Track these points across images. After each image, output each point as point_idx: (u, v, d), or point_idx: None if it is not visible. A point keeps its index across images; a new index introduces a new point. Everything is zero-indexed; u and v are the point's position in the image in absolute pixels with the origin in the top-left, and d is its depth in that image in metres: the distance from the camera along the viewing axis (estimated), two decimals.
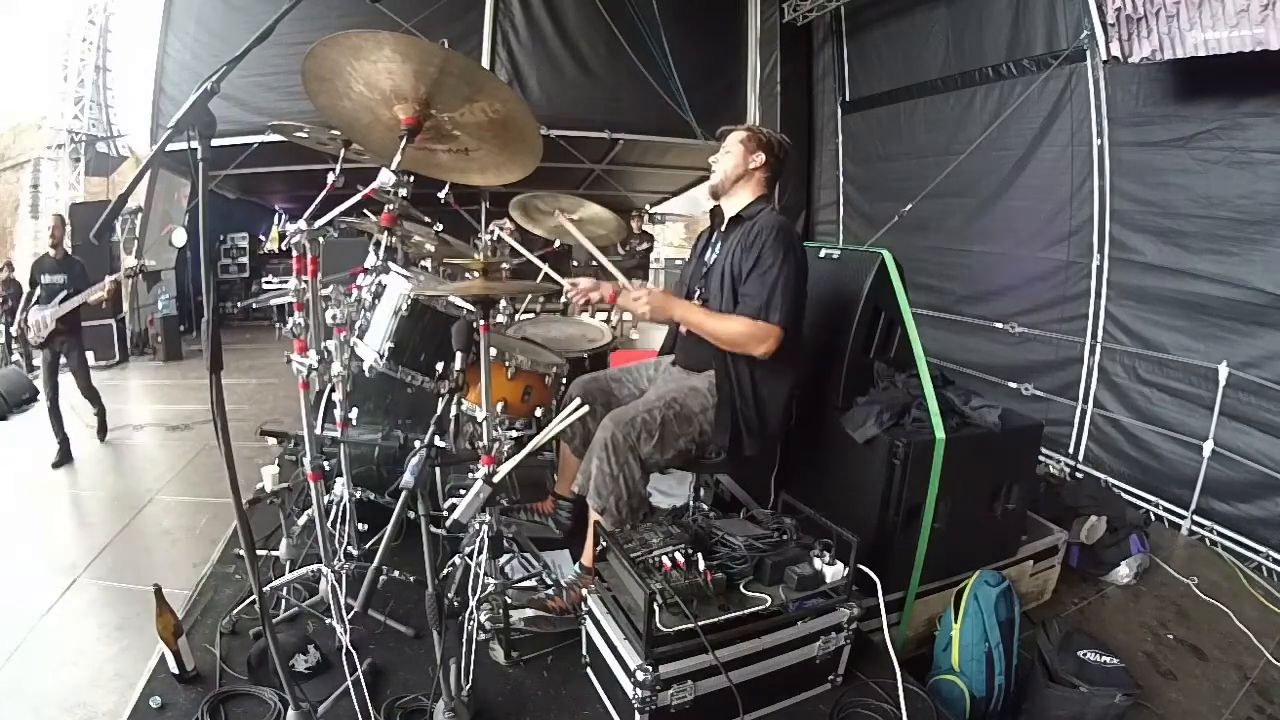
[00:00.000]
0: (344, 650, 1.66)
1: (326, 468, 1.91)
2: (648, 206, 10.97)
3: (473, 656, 1.63)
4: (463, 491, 1.68)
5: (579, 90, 6.35)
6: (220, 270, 9.15)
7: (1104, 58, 3.41)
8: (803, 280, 2.00)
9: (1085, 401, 4.04)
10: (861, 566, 1.78)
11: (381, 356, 1.97)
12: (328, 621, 1.84)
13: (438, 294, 2.06)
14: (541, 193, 2.69)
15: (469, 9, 6.02)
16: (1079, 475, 3.98)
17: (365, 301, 2.03)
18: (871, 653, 1.88)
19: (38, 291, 4.01)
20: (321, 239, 1.77)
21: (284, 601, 1.99)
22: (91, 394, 4.26)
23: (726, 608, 1.61)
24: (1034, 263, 4.34)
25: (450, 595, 1.84)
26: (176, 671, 1.72)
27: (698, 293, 2.16)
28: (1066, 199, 4.08)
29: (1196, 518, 3.37)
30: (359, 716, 1.55)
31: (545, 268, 2.50)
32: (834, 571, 1.74)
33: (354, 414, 2.03)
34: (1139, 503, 3.61)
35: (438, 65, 1.64)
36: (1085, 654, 2.06)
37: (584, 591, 1.82)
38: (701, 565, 1.65)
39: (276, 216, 9.06)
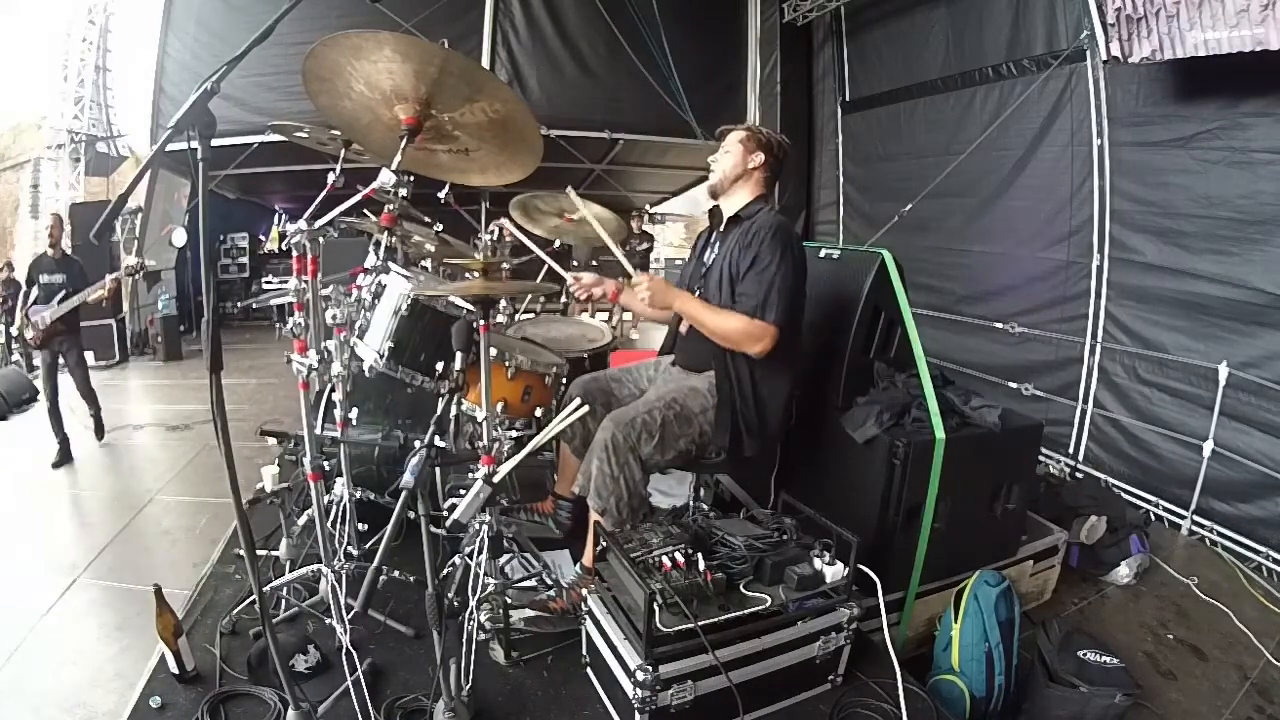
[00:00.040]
0: (344, 650, 1.66)
1: (326, 468, 1.91)
2: (648, 206, 10.97)
3: (473, 656, 1.63)
4: (463, 491, 1.68)
5: (579, 90, 6.34)
6: (220, 270, 9.15)
7: (1104, 58, 3.41)
8: (800, 280, 2.00)
9: (1085, 401, 4.04)
10: (861, 566, 1.78)
11: (381, 356, 1.97)
12: (328, 621, 1.84)
13: (438, 294, 2.06)
14: (541, 193, 2.69)
15: (469, 9, 6.02)
16: (1079, 475, 3.98)
17: (365, 301, 2.03)
18: (871, 653, 1.88)
19: (35, 291, 3.99)
20: (321, 239, 1.77)
21: (284, 601, 2.00)
22: (89, 394, 4.24)
23: (726, 608, 1.61)
24: (1034, 263, 4.34)
25: (450, 595, 1.84)
26: (176, 671, 1.72)
27: (697, 293, 2.16)
28: (1066, 199, 4.08)
29: (1196, 518, 3.37)
30: (359, 716, 1.55)
31: (549, 260, 2.49)
32: (834, 571, 1.74)
33: (354, 414, 2.03)
34: (1139, 503, 3.61)
35: (438, 65, 1.64)
36: (1085, 654, 2.06)
37: (584, 591, 1.82)
38: (701, 565, 1.65)
39: (276, 216, 9.07)
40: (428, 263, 2.70)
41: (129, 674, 2.03)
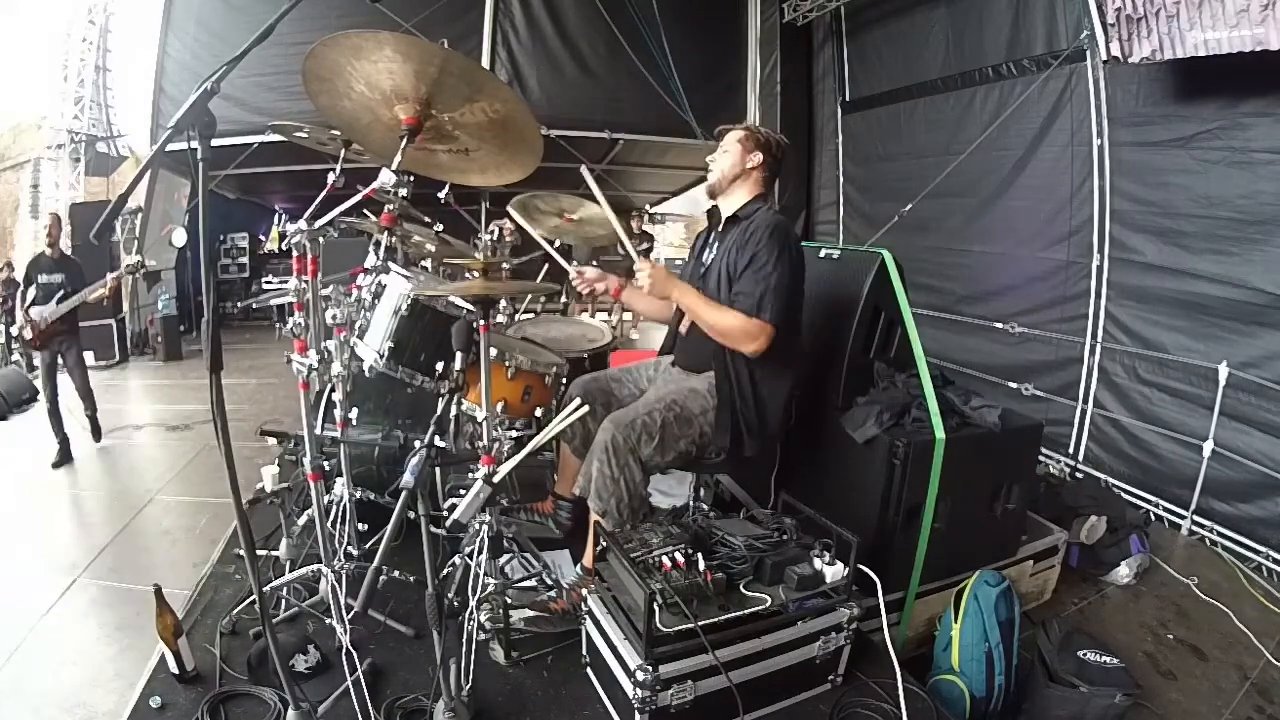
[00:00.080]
0: (344, 650, 1.66)
1: (326, 468, 1.91)
2: (648, 206, 10.97)
3: (473, 656, 1.63)
4: (463, 491, 1.68)
5: (579, 90, 6.34)
6: (220, 270, 9.15)
7: (1104, 58, 3.41)
8: (798, 280, 2.00)
9: (1085, 401, 4.04)
10: (861, 566, 1.78)
11: (381, 356, 1.97)
12: (328, 621, 1.84)
13: (438, 294, 2.06)
14: (541, 192, 2.69)
15: (469, 9, 6.02)
16: (1079, 475, 3.98)
17: (365, 301, 2.04)
18: (871, 653, 1.88)
19: (33, 290, 3.97)
20: (321, 239, 1.77)
21: (284, 601, 2.00)
22: (87, 394, 4.21)
23: (726, 608, 1.61)
24: (1034, 263, 4.33)
25: (450, 595, 1.84)
26: (176, 671, 1.72)
27: None
28: (1066, 199, 4.08)
29: (1196, 518, 3.37)
30: (359, 716, 1.55)
31: (553, 253, 2.47)
32: (834, 571, 1.74)
33: (354, 414, 2.03)
34: (1139, 503, 3.61)
35: (438, 65, 1.64)
36: (1085, 654, 2.06)
37: (584, 592, 1.82)
38: (701, 565, 1.65)
39: (276, 216, 9.07)
40: (428, 263, 2.71)
41: (129, 674, 2.03)
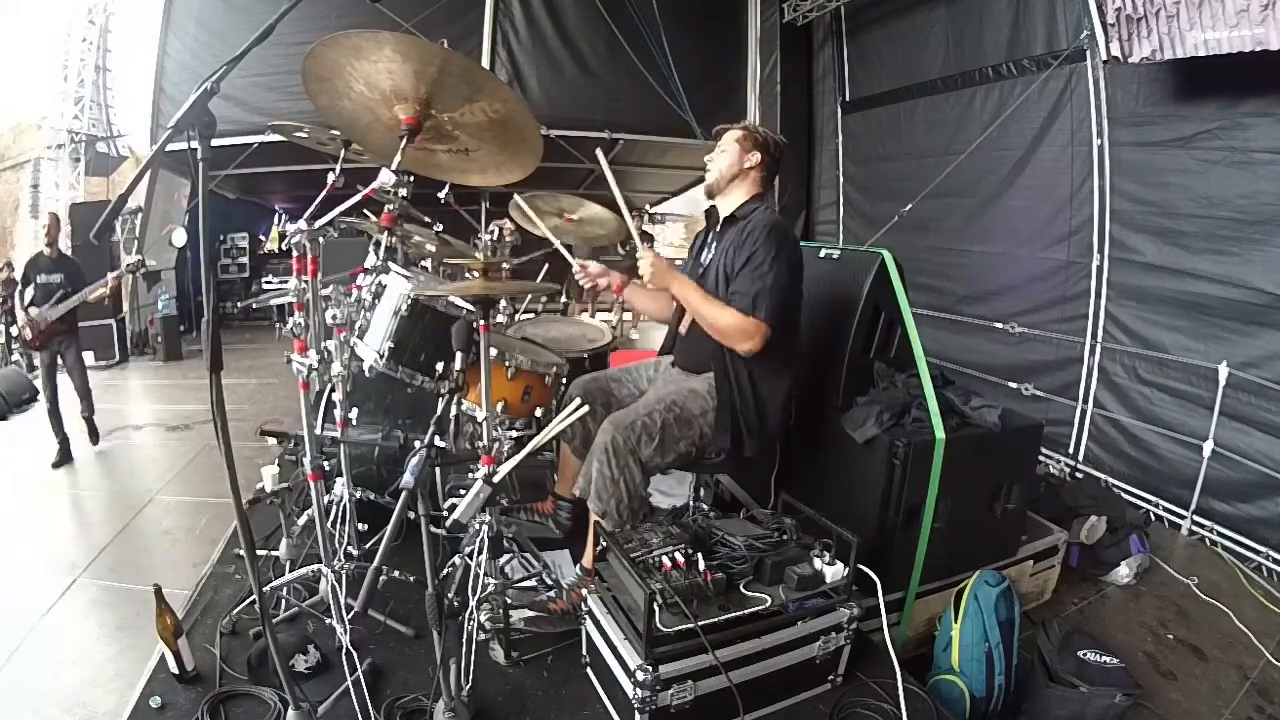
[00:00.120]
0: (344, 650, 1.67)
1: (326, 468, 1.91)
2: (648, 206, 10.97)
3: (473, 656, 1.63)
4: (463, 491, 1.68)
5: (579, 90, 6.34)
6: (220, 270, 9.15)
7: (1104, 58, 3.41)
8: (795, 280, 1.99)
9: (1085, 401, 4.04)
10: (861, 566, 1.78)
11: (381, 356, 1.97)
12: (328, 621, 1.84)
13: (438, 294, 2.06)
14: (541, 192, 2.69)
15: (469, 9, 6.01)
16: (1079, 475, 3.98)
17: (365, 301, 2.04)
18: (871, 653, 1.88)
19: (31, 290, 3.95)
20: (321, 239, 1.77)
21: (284, 601, 2.00)
22: (85, 394, 4.19)
23: (726, 608, 1.61)
24: (1034, 263, 4.33)
25: (450, 595, 1.84)
26: (176, 671, 1.72)
27: None
28: (1066, 199, 4.08)
29: (1196, 518, 3.37)
30: (359, 716, 1.55)
31: (558, 244, 2.45)
32: (834, 571, 1.74)
33: (354, 414, 2.03)
34: (1139, 503, 3.61)
35: (438, 65, 1.64)
36: (1085, 654, 2.06)
37: (584, 592, 1.82)
38: (701, 565, 1.65)
39: (276, 216, 9.06)
40: (428, 263, 2.71)
41: (129, 674, 2.03)
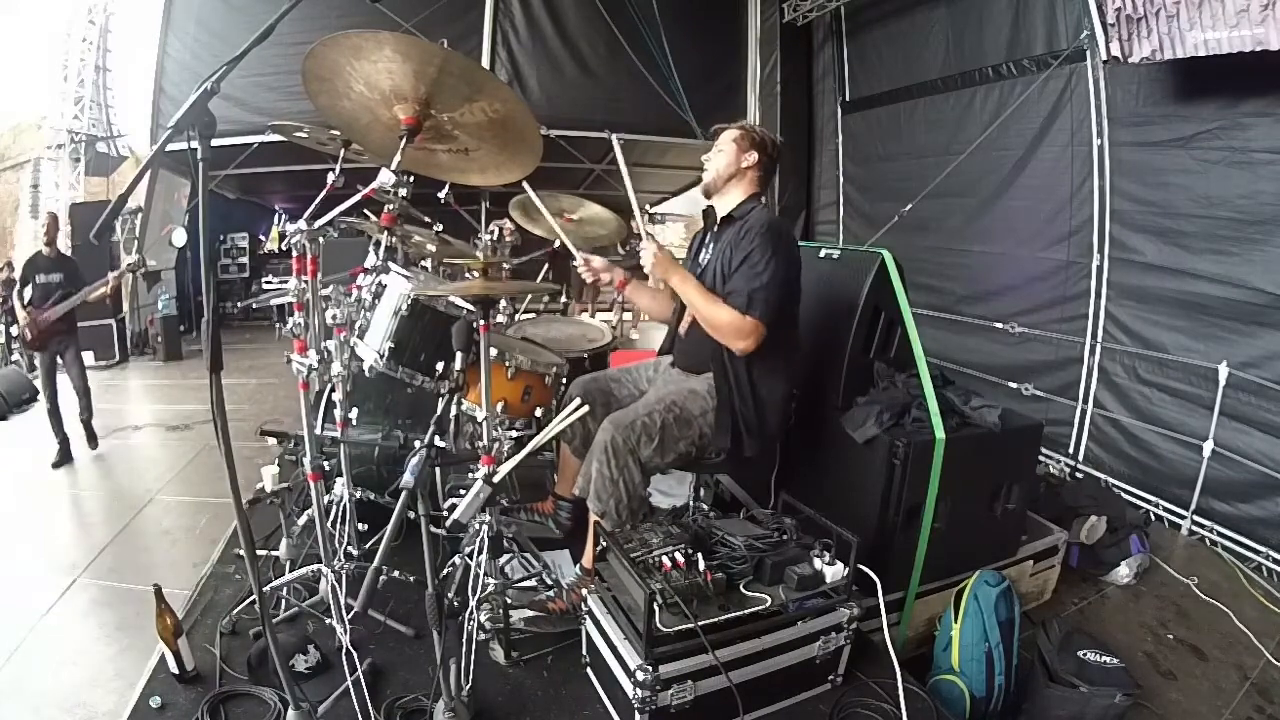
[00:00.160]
0: (344, 650, 1.67)
1: (326, 468, 1.91)
2: (648, 206, 10.97)
3: (473, 656, 1.63)
4: (463, 491, 1.68)
5: (579, 90, 6.34)
6: (220, 270, 9.15)
7: (1104, 58, 3.41)
8: (792, 279, 1.99)
9: (1085, 401, 4.04)
10: (861, 566, 1.78)
11: (381, 356, 1.97)
12: (328, 621, 1.84)
13: (438, 294, 2.06)
14: (541, 192, 2.69)
15: (469, 9, 6.02)
16: (1079, 475, 3.98)
17: (365, 301, 2.04)
18: (871, 653, 1.88)
19: (29, 290, 3.94)
20: (321, 239, 1.77)
21: (284, 601, 2.00)
22: (84, 393, 4.16)
23: (726, 608, 1.61)
24: (1034, 263, 4.33)
25: (450, 595, 1.84)
26: (176, 671, 1.72)
27: None
28: (1066, 199, 4.08)
29: (1196, 518, 3.37)
30: (359, 716, 1.55)
31: (563, 237, 2.43)
32: (834, 571, 1.74)
33: (354, 414, 2.03)
34: (1139, 503, 3.61)
35: (438, 65, 1.64)
36: (1085, 654, 2.06)
37: (584, 591, 1.82)
38: (701, 565, 1.65)
39: (276, 216, 9.06)
40: (428, 263, 2.71)
41: (129, 674, 2.03)
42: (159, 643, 1.71)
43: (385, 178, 1.75)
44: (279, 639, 1.58)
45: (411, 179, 2.01)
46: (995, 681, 2.02)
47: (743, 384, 2.00)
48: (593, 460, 1.90)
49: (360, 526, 2.09)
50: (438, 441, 1.49)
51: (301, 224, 1.72)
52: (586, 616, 1.76)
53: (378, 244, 2.16)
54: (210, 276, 1.32)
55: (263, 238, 9.53)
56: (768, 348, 1.94)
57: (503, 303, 3.00)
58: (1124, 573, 2.89)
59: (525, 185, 2.18)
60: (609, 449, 1.87)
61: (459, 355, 1.67)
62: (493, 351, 1.85)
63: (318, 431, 2.01)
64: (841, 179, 6.35)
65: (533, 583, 2.03)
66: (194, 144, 1.18)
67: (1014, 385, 4.38)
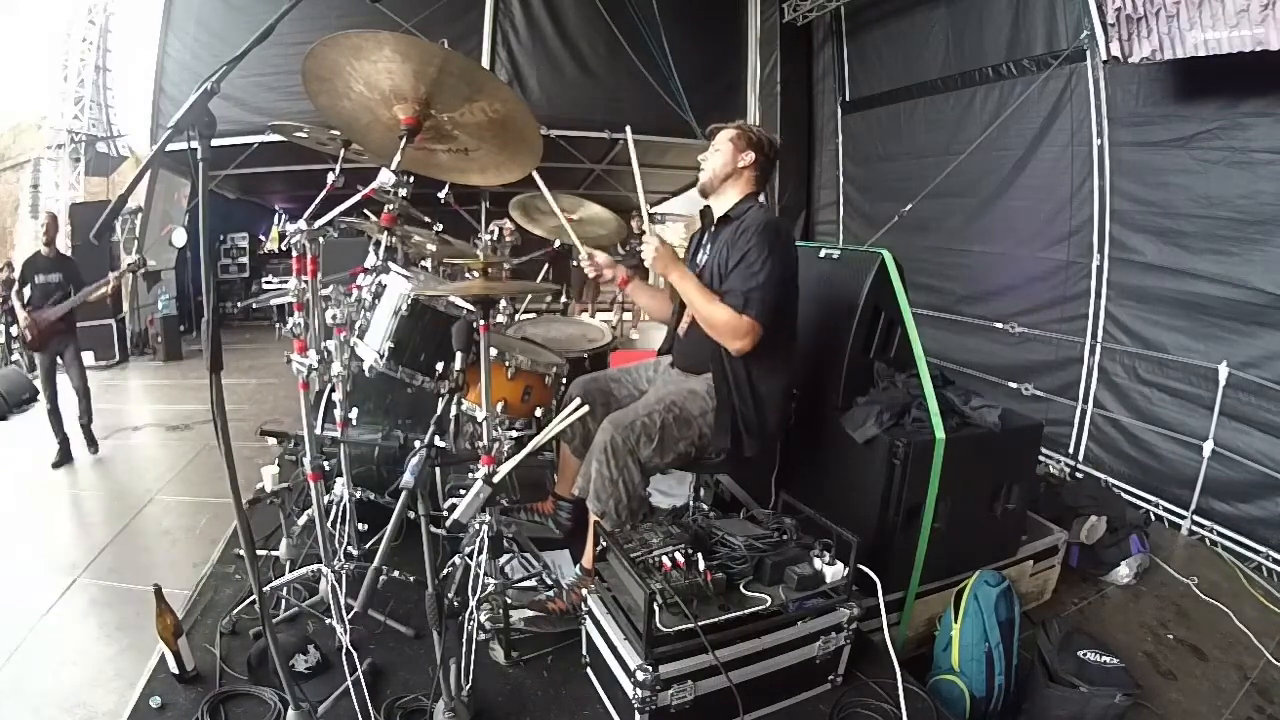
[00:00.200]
0: (344, 650, 1.66)
1: (326, 468, 1.91)
2: (647, 206, 10.95)
3: (473, 656, 1.63)
4: (463, 491, 1.68)
5: (579, 90, 6.34)
6: (220, 270, 9.16)
7: (1104, 58, 3.41)
8: (788, 278, 1.98)
9: (1085, 401, 4.04)
10: (861, 566, 1.78)
11: (381, 356, 1.97)
12: (328, 621, 1.84)
13: (438, 294, 2.06)
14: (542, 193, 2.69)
15: (469, 9, 6.02)
16: (1079, 475, 3.98)
17: (365, 301, 2.04)
18: (871, 653, 1.88)
19: (28, 290, 3.93)
20: (321, 239, 1.77)
21: (284, 601, 2.00)
22: (84, 394, 4.15)
23: (726, 608, 1.61)
24: (1034, 263, 4.33)
25: (450, 595, 1.84)
26: (176, 671, 1.72)
27: None
28: (1066, 199, 4.08)
29: (1196, 518, 3.37)
30: (359, 716, 1.55)
31: (569, 230, 2.41)
32: (834, 571, 1.74)
33: (354, 414, 2.03)
34: (1139, 503, 3.61)
35: (438, 65, 1.64)
36: (1085, 654, 2.06)
37: (584, 591, 1.82)
38: (701, 565, 1.65)
39: (276, 216, 9.06)
40: (428, 263, 2.71)
41: (129, 674, 2.03)
42: (159, 643, 1.71)
43: (385, 178, 1.75)
44: (279, 639, 1.58)
45: (411, 179, 2.01)
46: (995, 681, 2.02)
47: (742, 384, 2.00)
48: (592, 460, 1.90)
49: (360, 526, 2.09)
50: (438, 441, 1.49)
51: (301, 224, 1.72)
52: (586, 616, 1.76)
53: (378, 244, 2.16)
54: (210, 276, 1.32)
55: (263, 238, 9.54)
56: (765, 347, 1.94)
57: (503, 303, 3.00)
58: (1124, 573, 2.89)
59: (535, 175, 2.16)
60: (608, 449, 1.87)
61: (459, 355, 1.67)
62: (493, 351, 1.85)
63: (318, 431, 2.01)
64: (841, 179, 6.35)
65: (533, 583, 2.03)
66: (194, 144, 1.18)
67: (1014, 385, 4.38)
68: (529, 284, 2.71)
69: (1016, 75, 4.35)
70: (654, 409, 1.96)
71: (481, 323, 1.74)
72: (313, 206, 1.75)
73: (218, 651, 1.80)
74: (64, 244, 4.33)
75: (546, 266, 3.60)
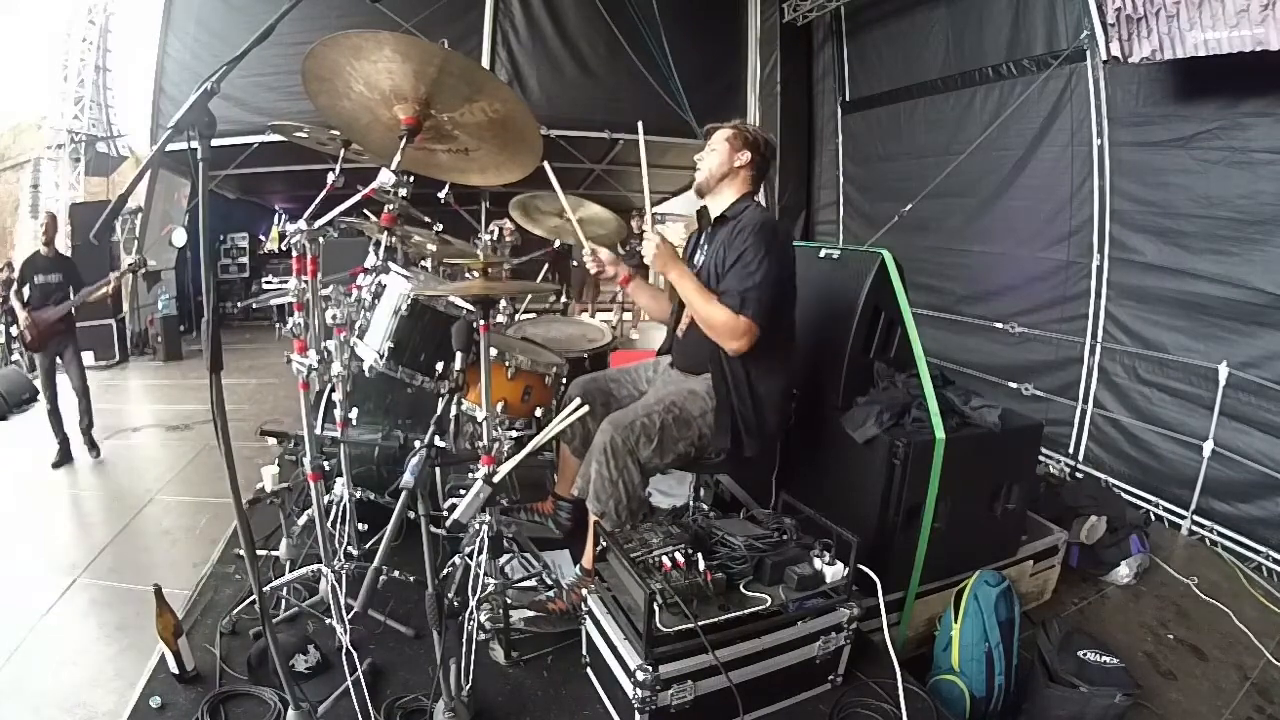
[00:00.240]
0: (344, 650, 1.66)
1: (326, 468, 1.91)
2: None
3: (473, 656, 1.63)
4: (463, 491, 1.68)
5: (579, 90, 6.35)
6: (220, 270, 9.16)
7: (1104, 58, 3.41)
8: (786, 278, 1.98)
9: (1085, 401, 4.04)
10: (861, 566, 1.78)
11: (381, 356, 1.97)
12: (328, 621, 1.84)
13: (438, 294, 2.06)
14: (541, 192, 2.69)
15: (469, 9, 6.03)
16: (1079, 475, 3.98)
17: (365, 301, 2.03)
18: (871, 653, 1.88)
19: (27, 290, 3.92)
20: (321, 239, 1.77)
21: (284, 601, 1.99)
22: (84, 394, 4.13)
23: (726, 608, 1.61)
24: (1034, 263, 4.34)
25: (450, 595, 1.84)
26: (176, 671, 1.72)
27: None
28: (1066, 199, 4.08)
29: (1196, 518, 3.37)
30: (359, 716, 1.55)
31: (575, 225, 2.40)
32: (834, 571, 1.74)
33: (354, 414, 2.03)
34: (1139, 503, 3.61)
35: (438, 65, 1.64)
36: (1085, 654, 2.06)
37: (584, 591, 1.82)
38: (701, 565, 1.65)
39: (276, 216, 9.07)
40: (428, 263, 2.71)
41: (129, 674, 2.03)
42: (159, 643, 1.71)
43: (385, 178, 1.75)
44: (279, 639, 1.58)
45: (411, 179, 2.01)
46: (995, 681, 2.02)
47: (741, 384, 2.00)
48: (592, 461, 1.90)
49: (360, 526, 2.09)
50: (438, 441, 1.49)
51: (301, 224, 1.72)
52: (586, 616, 1.76)
53: (378, 244, 2.16)
54: (210, 276, 1.32)
55: (263, 238, 9.54)
56: (763, 348, 1.93)
57: (503, 303, 3.00)
58: (1124, 573, 2.89)
59: (545, 166, 2.16)
60: (608, 449, 1.87)
61: (459, 355, 1.67)
62: (493, 351, 1.85)
63: (318, 431, 2.01)
64: (841, 179, 6.35)
65: (533, 583, 2.03)
66: (194, 144, 1.18)
67: (1014, 385, 4.38)
68: (529, 284, 2.71)
69: (1016, 75, 4.35)
70: (653, 409, 1.96)
71: (481, 323, 1.74)
72: (313, 206, 1.76)
73: (218, 651, 1.80)
74: (64, 244, 4.32)
75: (546, 266, 3.60)
